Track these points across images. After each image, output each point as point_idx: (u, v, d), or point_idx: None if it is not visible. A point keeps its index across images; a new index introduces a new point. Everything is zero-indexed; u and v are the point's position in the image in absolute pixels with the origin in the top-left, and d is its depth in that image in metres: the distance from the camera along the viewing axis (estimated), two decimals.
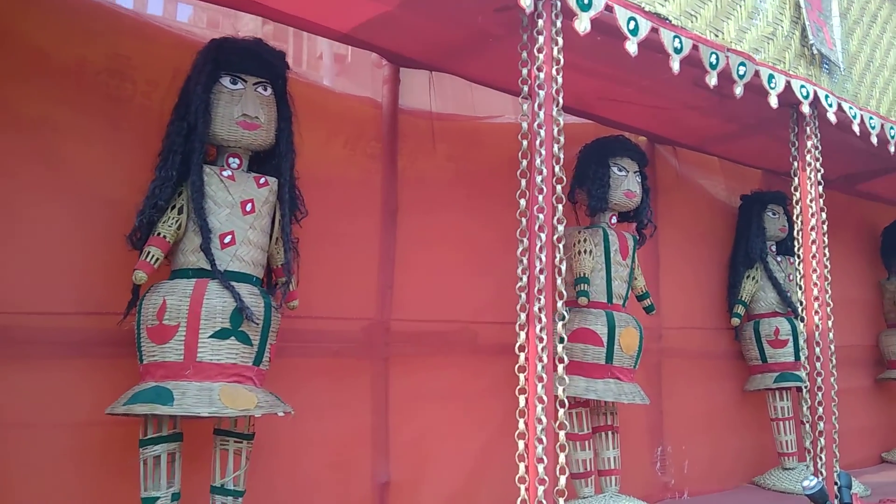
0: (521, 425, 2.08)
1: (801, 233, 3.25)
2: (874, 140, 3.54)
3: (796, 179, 3.29)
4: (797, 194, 3.28)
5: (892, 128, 3.72)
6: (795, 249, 3.26)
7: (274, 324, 2.17)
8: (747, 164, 4.35)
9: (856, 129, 3.41)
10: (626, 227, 3.38)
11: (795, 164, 3.31)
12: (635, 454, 3.71)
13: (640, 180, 3.25)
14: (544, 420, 2.04)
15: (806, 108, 3.15)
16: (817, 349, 3.13)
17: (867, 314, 5.50)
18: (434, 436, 2.84)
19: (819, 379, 3.11)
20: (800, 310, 3.21)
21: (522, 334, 2.12)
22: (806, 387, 3.17)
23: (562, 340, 2.15)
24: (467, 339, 3.09)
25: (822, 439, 3.08)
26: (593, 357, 3.01)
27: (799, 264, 3.25)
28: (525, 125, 2.22)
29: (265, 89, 2.26)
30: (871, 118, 3.57)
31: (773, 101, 3.01)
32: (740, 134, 3.86)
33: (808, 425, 3.14)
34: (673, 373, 3.88)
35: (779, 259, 4.16)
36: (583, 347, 3.02)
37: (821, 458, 3.06)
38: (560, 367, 2.13)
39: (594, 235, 3.14)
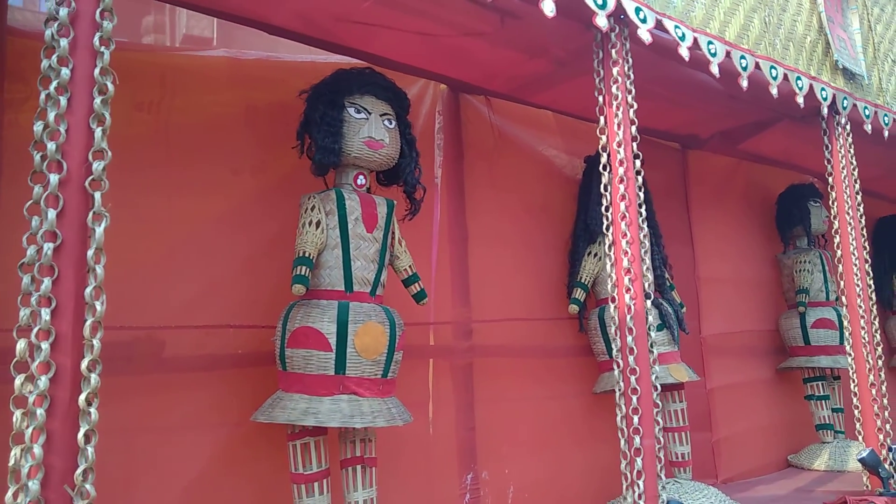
0: (10, 496, 1.23)
1: (608, 188, 2.46)
2: (715, 70, 2.77)
3: (602, 119, 2.51)
4: (603, 138, 2.49)
5: (742, 57, 2.95)
6: (602, 209, 2.47)
7: None
8: (586, 119, 3.56)
9: (684, 52, 2.64)
10: (392, 192, 2.57)
11: (601, 98, 2.53)
12: (440, 485, 2.90)
13: (391, 126, 2.43)
14: (31, 488, 1.20)
15: (602, 21, 2.36)
16: (630, 338, 2.34)
17: (764, 294, 4.79)
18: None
19: (634, 378, 2.32)
20: (609, 287, 2.43)
21: (22, 343, 1.27)
22: (621, 390, 2.37)
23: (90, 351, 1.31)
24: (149, 352, 2.24)
25: (639, 459, 2.28)
26: (318, 366, 2.18)
27: (608, 228, 2.46)
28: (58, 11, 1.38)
29: None
30: (710, 42, 2.81)
31: (548, 8, 2.22)
32: (559, 75, 3.06)
33: (623, 441, 2.34)
34: (489, 377, 3.07)
35: None
36: (305, 354, 2.19)
37: (638, 486, 2.26)
38: (82, 398, 1.28)
39: (325, 201, 2.31)
